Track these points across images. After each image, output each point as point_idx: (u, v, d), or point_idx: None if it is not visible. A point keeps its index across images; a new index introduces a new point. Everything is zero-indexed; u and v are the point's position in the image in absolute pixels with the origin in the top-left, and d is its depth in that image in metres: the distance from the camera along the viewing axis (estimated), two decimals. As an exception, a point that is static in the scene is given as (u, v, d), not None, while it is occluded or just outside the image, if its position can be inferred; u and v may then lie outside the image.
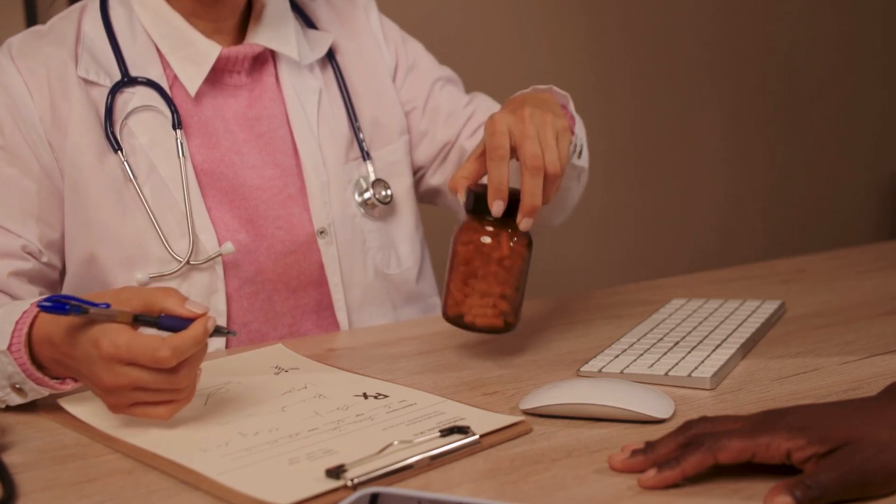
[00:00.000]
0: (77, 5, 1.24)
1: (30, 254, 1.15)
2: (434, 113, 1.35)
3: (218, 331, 0.86)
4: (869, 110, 3.18)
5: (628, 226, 2.78)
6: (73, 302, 0.83)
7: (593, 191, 2.24)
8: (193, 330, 0.84)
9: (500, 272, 1.02)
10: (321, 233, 1.22)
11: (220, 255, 1.16)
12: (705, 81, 2.88)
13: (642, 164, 2.81)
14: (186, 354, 0.83)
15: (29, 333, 0.90)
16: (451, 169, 1.35)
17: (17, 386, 0.92)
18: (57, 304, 0.83)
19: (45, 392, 0.93)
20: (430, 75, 1.37)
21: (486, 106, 1.36)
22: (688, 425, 0.78)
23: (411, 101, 1.35)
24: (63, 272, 1.21)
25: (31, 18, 1.94)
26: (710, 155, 2.91)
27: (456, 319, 1.04)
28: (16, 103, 1.15)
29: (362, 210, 1.26)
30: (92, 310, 0.84)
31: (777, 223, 3.04)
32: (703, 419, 0.79)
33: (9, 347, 0.90)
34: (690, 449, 0.75)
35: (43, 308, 0.84)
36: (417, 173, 1.37)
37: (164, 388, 0.85)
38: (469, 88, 1.42)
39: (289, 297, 1.23)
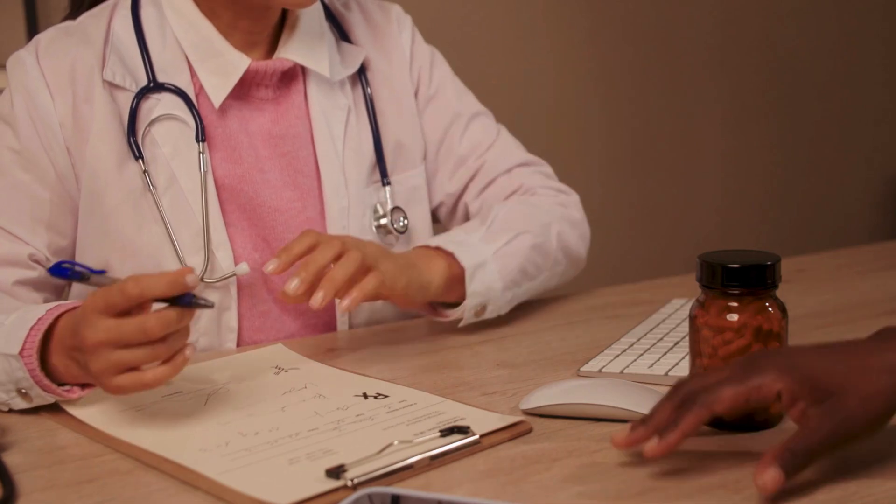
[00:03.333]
0: (109, 2, 1.21)
1: (37, 262, 1.14)
2: (447, 156, 1.31)
3: (196, 303, 0.85)
4: (869, 110, 3.18)
5: (628, 225, 2.78)
6: (77, 267, 0.85)
7: (593, 190, 2.25)
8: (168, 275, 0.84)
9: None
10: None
11: (234, 275, 1.15)
12: (705, 81, 2.88)
13: (642, 164, 2.81)
14: (156, 291, 0.83)
15: (46, 339, 0.90)
16: (457, 223, 1.33)
17: (24, 391, 0.92)
18: (61, 269, 0.85)
19: (50, 399, 0.92)
20: (450, 109, 1.32)
21: (494, 158, 1.32)
22: (678, 386, 0.78)
23: (427, 135, 1.31)
24: None
25: (32, 18, 1.94)
26: (710, 155, 2.91)
27: (741, 420, 0.86)
28: (36, 106, 1.13)
29: (379, 236, 1.24)
30: (93, 277, 0.85)
31: (777, 223, 3.04)
32: (692, 376, 0.79)
33: (21, 352, 0.90)
34: (685, 408, 0.75)
35: (49, 271, 0.86)
36: None
37: (142, 336, 0.84)
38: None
39: (297, 317, 1.21)
